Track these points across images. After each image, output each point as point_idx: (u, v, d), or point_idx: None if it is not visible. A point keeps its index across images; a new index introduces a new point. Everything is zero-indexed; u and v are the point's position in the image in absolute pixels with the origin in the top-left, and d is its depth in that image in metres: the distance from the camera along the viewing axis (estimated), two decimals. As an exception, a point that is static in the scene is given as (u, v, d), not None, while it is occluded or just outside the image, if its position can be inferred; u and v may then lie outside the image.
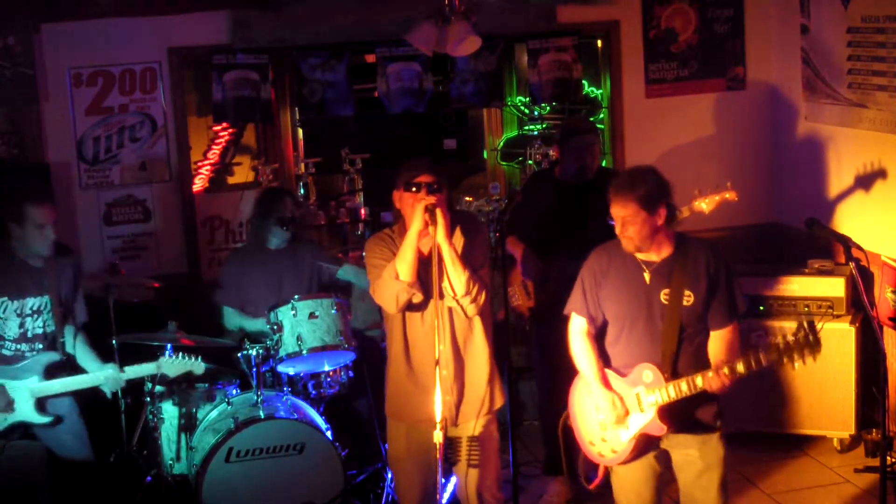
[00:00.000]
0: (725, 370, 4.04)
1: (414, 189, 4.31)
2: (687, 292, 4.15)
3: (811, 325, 3.94)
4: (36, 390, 4.94)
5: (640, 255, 4.21)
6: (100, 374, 5.02)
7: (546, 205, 5.56)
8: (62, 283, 5.08)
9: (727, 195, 5.37)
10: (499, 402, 4.57)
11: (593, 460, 4.45)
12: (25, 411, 4.95)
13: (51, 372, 4.99)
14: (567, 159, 5.55)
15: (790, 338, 3.94)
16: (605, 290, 4.28)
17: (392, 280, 4.30)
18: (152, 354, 5.14)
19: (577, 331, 4.40)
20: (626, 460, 4.30)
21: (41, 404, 4.97)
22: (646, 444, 4.28)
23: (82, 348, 5.15)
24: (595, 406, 4.35)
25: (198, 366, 5.14)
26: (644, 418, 4.20)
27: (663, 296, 4.17)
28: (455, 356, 4.43)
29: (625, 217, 4.11)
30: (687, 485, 4.36)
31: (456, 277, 4.28)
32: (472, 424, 4.47)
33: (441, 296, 4.27)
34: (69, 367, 5.09)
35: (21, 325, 4.98)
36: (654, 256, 4.20)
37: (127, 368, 5.04)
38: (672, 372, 4.16)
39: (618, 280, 4.25)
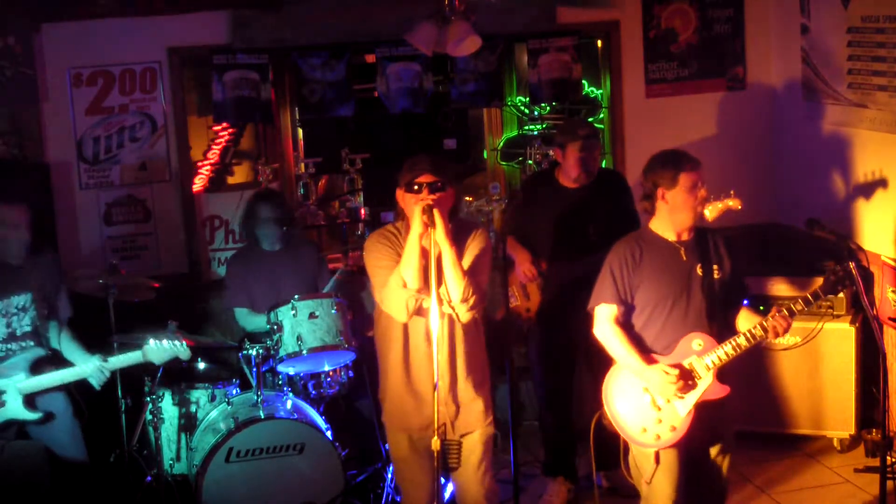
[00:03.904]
0: (784, 311, 4.31)
1: (416, 188, 4.18)
2: (715, 266, 4.43)
3: (845, 262, 4.41)
4: (23, 386, 4.93)
5: (671, 237, 4.43)
6: (85, 367, 4.99)
7: (546, 207, 5.54)
8: (43, 280, 5.07)
9: (730, 202, 5.37)
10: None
11: (647, 447, 4.42)
12: (15, 408, 4.93)
13: (37, 367, 4.98)
14: (568, 164, 5.53)
15: (839, 270, 4.42)
16: (640, 276, 4.41)
17: (399, 289, 4.16)
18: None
19: (606, 318, 4.45)
20: (685, 435, 4.35)
21: (30, 400, 4.95)
22: (703, 413, 4.35)
23: (68, 342, 5.13)
24: (642, 388, 4.39)
25: (184, 351, 5.05)
26: (702, 384, 4.33)
27: (698, 269, 4.41)
28: (451, 366, 4.31)
29: (703, 180, 4.42)
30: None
31: (455, 282, 4.16)
32: (476, 433, 4.39)
33: (440, 301, 4.12)
34: (55, 361, 5.07)
35: (8, 325, 4.97)
36: (685, 236, 4.45)
37: (111, 358, 5.01)
38: (717, 339, 4.36)
39: (655, 263, 4.42)
